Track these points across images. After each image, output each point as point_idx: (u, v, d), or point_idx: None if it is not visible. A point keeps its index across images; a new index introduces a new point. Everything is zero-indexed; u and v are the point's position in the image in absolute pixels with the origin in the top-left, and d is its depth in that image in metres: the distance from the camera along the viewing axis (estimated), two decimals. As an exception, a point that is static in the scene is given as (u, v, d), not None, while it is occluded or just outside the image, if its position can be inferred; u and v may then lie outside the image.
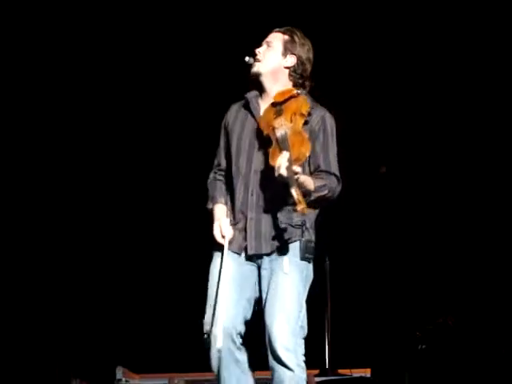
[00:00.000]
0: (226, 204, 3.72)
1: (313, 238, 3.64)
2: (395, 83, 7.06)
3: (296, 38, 3.77)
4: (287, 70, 3.76)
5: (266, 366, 3.54)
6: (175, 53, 6.96)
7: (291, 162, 3.33)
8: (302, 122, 3.59)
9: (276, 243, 3.57)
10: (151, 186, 7.10)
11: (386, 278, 6.99)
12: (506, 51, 6.84)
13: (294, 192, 3.26)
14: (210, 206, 3.77)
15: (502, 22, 6.77)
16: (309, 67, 3.79)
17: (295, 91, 3.68)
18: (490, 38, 6.82)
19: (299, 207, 3.25)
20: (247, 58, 3.76)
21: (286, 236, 3.57)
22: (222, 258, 3.58)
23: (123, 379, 5.77)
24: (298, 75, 3.76)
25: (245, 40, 4.15)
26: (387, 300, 6.92)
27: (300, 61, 3.75)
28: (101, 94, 7.01)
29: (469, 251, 6.91)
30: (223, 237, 3.61)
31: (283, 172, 3.31)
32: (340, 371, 6.23)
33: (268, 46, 3.78)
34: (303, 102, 3.62)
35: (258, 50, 3.78)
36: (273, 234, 3.58)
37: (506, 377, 5.43)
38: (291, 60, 3.75)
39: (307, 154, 3.51)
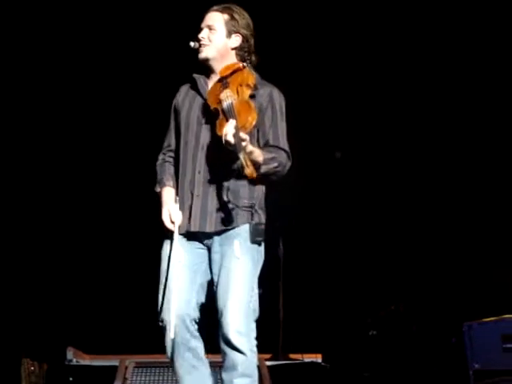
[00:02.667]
0: (174, 187, 3.70)
1: (263, 220, 3.63)
2: (351, 69, 7.08)
3: (236, 16, 3.76)
4: (234, 50, 3.77)
5: (217, 350, 3.54)
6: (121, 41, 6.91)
7: (238, 129, 3.32)
8: (249, 92, 3.60)
9: (222, 223, 3.55)
10: (100, 170, 7.08)
11: (339, 264, 7.03)
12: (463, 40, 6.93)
13: (242, 156, 3.26)
14: (157, 189, 3.75)
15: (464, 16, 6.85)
16: (253, 41, 3.80)
17: (240, 64, 3.69)
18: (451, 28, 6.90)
19: (247, 170, 3.26)
20: (192, 44, 3.73)
21: (234, 218, 3.55)
22: (172, 244, 3.55)
23: (74, 360, 5.72)
24: (245, 52, 3.77)
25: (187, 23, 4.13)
26: (339, 286, 6.97)
27: (245, 38, 3.76)
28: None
29: (420, 239, 6.97)
30: (173, 222, 3.58)
31: (230, 138, 3.31)
32: (291, 356, 6.26)
33: (210, 29, 3.76)
34: (249, 74, 3.63)
35: (201, 36, 3.75)
36: (219, 213, 3.56)
37: (456, 363, 5.49)
38: (236, 39, 3.76)
39: (254, 122, 3.49)
